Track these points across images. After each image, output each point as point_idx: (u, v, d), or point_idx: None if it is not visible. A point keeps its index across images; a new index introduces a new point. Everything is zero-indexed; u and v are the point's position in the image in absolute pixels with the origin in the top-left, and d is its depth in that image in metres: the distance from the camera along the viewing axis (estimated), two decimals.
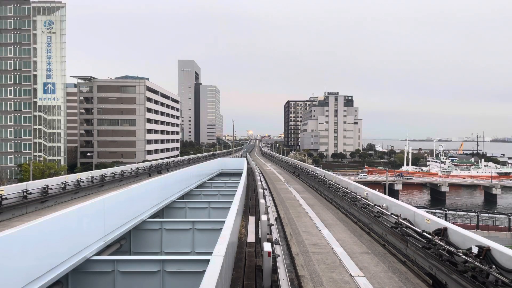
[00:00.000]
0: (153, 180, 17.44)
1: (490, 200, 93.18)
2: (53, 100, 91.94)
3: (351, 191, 22.32)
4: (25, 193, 20.98)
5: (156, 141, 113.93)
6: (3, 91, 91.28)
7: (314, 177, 36.15)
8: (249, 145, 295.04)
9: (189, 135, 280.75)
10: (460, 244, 10.24)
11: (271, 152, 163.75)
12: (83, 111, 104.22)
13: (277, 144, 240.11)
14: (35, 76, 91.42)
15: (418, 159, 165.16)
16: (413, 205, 16.01)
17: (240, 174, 30.10)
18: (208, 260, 6.56)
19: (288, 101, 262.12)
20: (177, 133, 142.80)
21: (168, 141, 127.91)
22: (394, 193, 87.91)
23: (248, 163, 51.65)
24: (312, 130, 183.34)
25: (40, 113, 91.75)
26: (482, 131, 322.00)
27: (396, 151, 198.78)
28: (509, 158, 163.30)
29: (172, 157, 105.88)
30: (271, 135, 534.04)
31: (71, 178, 27.67)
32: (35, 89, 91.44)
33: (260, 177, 36.28)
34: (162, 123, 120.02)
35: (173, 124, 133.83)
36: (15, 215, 19.79)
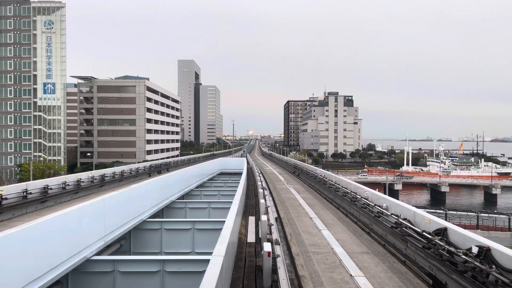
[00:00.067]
0: (153, 180, 17.44)
1: (490, 200, 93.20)
2: (53, 100, 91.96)
3: (351, 191, 22.32)
4: (25, 193, 20.98)
5: (156, 141, 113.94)
6: (3, 91, 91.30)
7: (314, 177, 36.15)
8: (249, 145, 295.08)
9: (189, 135, 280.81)
10: (460, 244, 10.24)
11: (271, 152, 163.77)
12: (83, 111, 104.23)
13: (277, 144, 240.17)
14: (35, 76, 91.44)
15: (418, 159, 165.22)
16: (413, 205, 16.01)
17: (240, 174, 30.10)
18: (208, 260, 6.56)
19: (288, 101, 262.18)
20: (177, 133, 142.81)
21: (168, 141, 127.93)
22: (394, 193, 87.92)
23: (248, 163, 51.66)
24: (312, 130, 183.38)
25: (40, 113, 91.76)
26: (482, 131, 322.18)
27: (396, 151, 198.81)
28: (509, 158, 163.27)
29: (172, 157, 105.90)
30: (271, 135, 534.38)
31: (71, 178, 27.67)
32: (35, 89, 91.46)
33: (260, 177, 36.29)
34: (162, 123, 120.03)
35: (173, 124, 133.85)
36: (15, 215, 19.78)
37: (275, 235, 12.70)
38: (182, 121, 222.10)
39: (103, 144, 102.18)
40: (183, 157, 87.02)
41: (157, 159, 76.35)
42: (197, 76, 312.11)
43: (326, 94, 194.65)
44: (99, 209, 10.76)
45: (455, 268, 9.52)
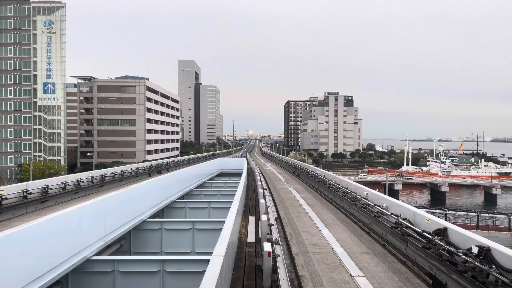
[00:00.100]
0: (153, 180, 17.44)
1: (490, 200, 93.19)
2: (53, 100, 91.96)
3: (351, 191, 22.32)
4: (25, 193, 20.97)
5: (156, 141, 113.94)
6: (3, 91, 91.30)
7: (314, 177, 36.15)
8: (249, 145, 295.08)
9: (189, 135, 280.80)
10: (460, 244, 10.23)
11: (271, 152, 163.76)
12: (83, 111, 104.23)
13: (277, 144, 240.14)
14: (35, 76, 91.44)
15: (418, 159, 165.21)
16: (413, 205, 16.01)
17: (240, 174, 30.10)
18: (208, 260, 6.56)
19: (288, 101, 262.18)
20: (177, 133, 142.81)
21: (168, 141, 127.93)
22: (394, 193, 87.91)
23: (248, 163, 51.66)
24: (312, 130, 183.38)
25: (40, 113, 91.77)
26: (482, 131, 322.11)
27: (396, 151, 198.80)
28: (509, 158, 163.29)
29: (172, 157, 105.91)
30: (271, 135, 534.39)
31: (71, 178, 27.67)
32: (35, 89, 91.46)
33: (260, 177, 36.29)
34: (162, 123, 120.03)
35: (173, 124, 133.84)
36: (15, 215, 19.78)
37: (275, 235, 12.70)
38: (182, 121, 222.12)
39: (103, 144, 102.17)
40: (183, 157, 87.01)
41: (157, 159, 76.35)
42: (197, 76, 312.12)
43: (326, 94, 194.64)
44: (99, 209, 10.76)
45: (455, 268, 9.52)
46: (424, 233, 11.71)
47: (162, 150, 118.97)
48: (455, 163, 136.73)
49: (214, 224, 13.97)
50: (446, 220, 39.84)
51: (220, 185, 31.39)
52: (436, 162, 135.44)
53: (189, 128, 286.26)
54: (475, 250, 9.15)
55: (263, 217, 12.72)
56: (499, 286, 7.92)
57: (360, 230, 17.35)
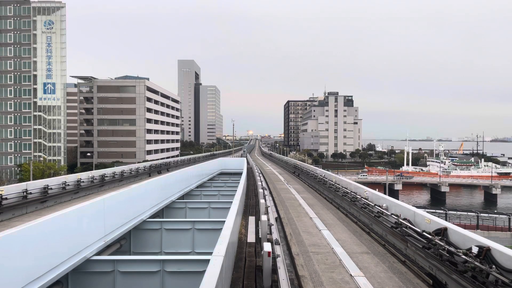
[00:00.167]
0: (153, 180, 17.44)
1: (490, 200, 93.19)
2: (53, 100, 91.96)
3: (351, 191, 22.32)
4: (25, 193, 20.97)
5: (156, 141, 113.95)
6: (3, 91, 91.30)
7: (314, 177, 36.15)
8: (249, 145, 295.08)
9: (189, 135, 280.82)
10: (460, 244, 10.23)
11: (271, 152, 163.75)
12: (83, 111, 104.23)
13: (277, 144, 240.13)
14: (35, 76, 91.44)
15: (418, 159, 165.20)
16: (413, 205, 16.01)
17: (240, 174, 30.10)
18: (208, 260, 6.56)
19: (288, 101, 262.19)
20: (177, 133, 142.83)
21: (168, 141, 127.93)
22: (394, 193, 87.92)
23: (248, 163, 51.66)
24: (312, 130, 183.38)
25: (40, 113, 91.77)
26: (482, 131, 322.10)
27: (396, 151, 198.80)
28: (509, 158, 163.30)
29: (172, 157, 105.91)
30: (271, 135, 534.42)
31: (71, 178, 27.67)
32: (35, 89, 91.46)
33: (260, 177, 36.29)
34: (162, 123, 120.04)
35: (173, 124, 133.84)
36: (15, 215, 19.78)
37: (275, 235, 12.70)
38: (182, 121, 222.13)
39: (103, 144, 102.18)
40: (183, 157, 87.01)
41: (157, 159, 76.36)
42: (197, 76, 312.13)
43: (326, 94, 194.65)
44: (99, 209, 10.76)
45: (455, 268, 9.52)
46: (424, 233, 11.71)
47: (162, 150, 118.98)
48: (455, 163, 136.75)
49: (214, 224, 13.97)
50: (446, 220, 39.85)
51: (220, 185, 31.39)
52: (436, 162, 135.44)
53: (189, 128, 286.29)
54: (475, 250, 9.15)
55: (263, 217, 12.72)
56: (499, 286, 7.92)
57: (360, 230, 17.35)
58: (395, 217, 14.36)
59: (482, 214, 53.00)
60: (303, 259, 12.74)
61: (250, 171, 46.71)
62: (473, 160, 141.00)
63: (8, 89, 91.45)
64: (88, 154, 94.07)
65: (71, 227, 9.19)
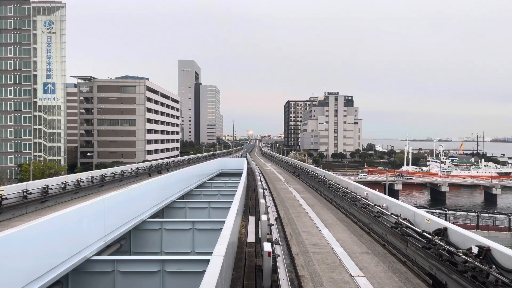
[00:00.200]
0: (153, 180, 17.44)
1: (490, 200, 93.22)
2: (53, 100, 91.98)
3: (351, 191, 22.31)
4: (25, 193, 20.97)
5: (156, 141, 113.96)
6: (3, 91, 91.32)
7: (314, 177, 36.15)
8: (249, 145, 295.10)
9: (189, 135, 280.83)
10: (460, 244, 10.23)
11: (271, 152, 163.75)
12: (83, 111, 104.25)
13: (277, 144, 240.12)
14: (35, 76, 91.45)
15: (418, 159, 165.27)
16: (413, 205, 16.01)
17: (240, 174, 30.11)
18: (208, 260, 6.56)
19: (288, 101, 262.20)
20: (177, 133, 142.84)
21: (168, 141, 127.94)
22: (394, 193, 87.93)
23: (248, 163, 51.66)
24: (312, 130, 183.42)
25: (40, 113, 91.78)
26: (482, 131, 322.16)
27: (396, 151, 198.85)
28: (509, 158, 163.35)
29: (172, 157, 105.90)
30: (271, 135, 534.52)
31: (71, 178, 27.66)
32: (35, 89, 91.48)
33: (260, 177, 36.28)
34: (162, 123, 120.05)
35: (173, 124, 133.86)
36: (15, 215, 19.78)
37: (275, 235, 12.70)
38: (182, 121, 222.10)
39: (103, 144, 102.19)
40: (183, 157, 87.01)
41: (157, 159, 76.36)
42: (197, 76, 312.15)
43: (326, 94, 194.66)
44: (99, 209, 10.76)
45: (455, 268, 9.51)
46: (424, 233, 11.71)
47: (162, 150, 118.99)
48: (455, 163, 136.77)
49: (214, 224, 13.98)
50: (446, 220, 39.85)
51: (220, 185, 31.39)
52: (436, 162, 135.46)
53: (189, 128, 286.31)
54: (475, 250, 9.15)
55: (263, 217, 12.72)
56: (499, 286, 7.92)
57: (360, 230, 17.35)
58: (395, 217, 14.36)
59: (482, 214, 53.01)
60: (303, 259, 12.74)
61: (250, 171, 46.72)
62: (473, 160, 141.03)
63: (8, 89, 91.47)
64: (88, 154, 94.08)
65: (71, 227, 9.19)
